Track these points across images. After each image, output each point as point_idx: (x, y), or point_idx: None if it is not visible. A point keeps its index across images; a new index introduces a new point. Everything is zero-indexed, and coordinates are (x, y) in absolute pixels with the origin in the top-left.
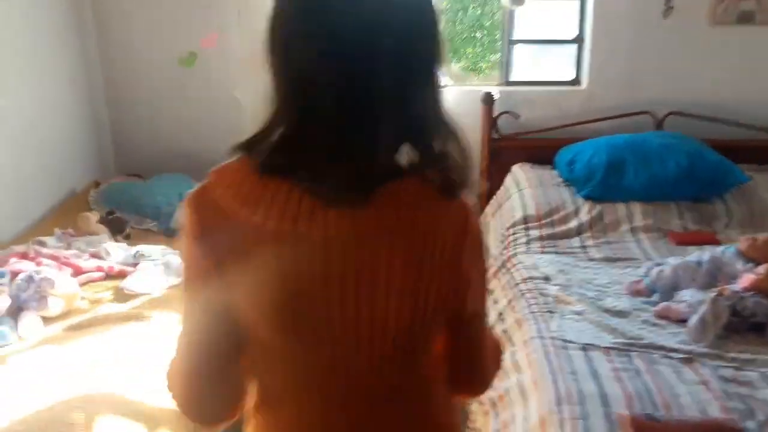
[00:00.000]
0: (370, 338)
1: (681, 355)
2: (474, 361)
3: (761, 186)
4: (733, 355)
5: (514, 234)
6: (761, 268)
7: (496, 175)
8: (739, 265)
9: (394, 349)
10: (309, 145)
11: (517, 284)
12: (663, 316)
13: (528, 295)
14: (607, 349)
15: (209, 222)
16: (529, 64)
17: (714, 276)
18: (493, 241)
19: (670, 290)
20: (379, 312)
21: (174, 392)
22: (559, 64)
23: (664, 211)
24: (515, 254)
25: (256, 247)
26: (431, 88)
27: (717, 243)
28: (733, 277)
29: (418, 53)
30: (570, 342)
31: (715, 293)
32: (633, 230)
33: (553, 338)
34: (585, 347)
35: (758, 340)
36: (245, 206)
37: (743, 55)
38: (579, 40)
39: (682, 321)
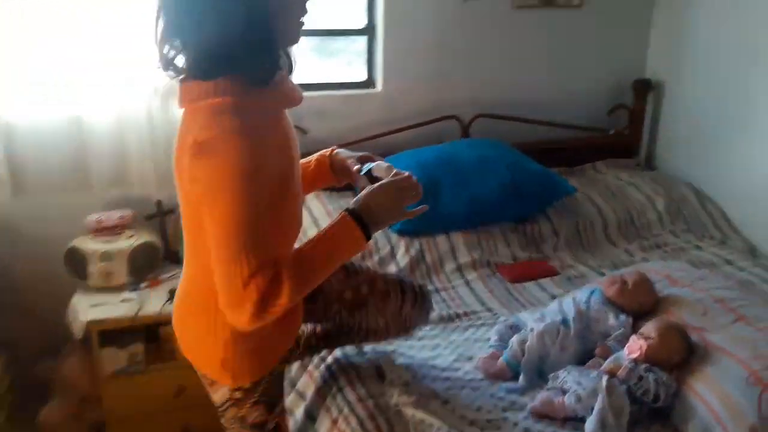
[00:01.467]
0: None
1: None
2: None
3: (581, 195)
4: None
5: None
6: (650, 330)
7: None
8: (611, 318)
9: None
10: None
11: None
12: (543, 414)
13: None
14: None
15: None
16: (310, 64)
17: (585, 338)
18: None
19: (537, 368)
20: None
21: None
22: (346, 62)
23: (488, 239)
24: None
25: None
26: None
27: (554, 272)
28: (606, 335)
29: None
30: None
31: (605, 377)
32: (460, 269)
33: None
34: None
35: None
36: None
37: (550, 42)
38: (369, 30)
39: (569, 419)
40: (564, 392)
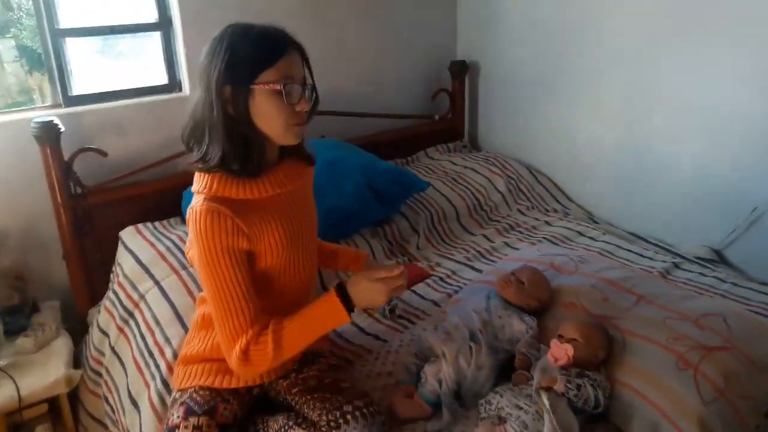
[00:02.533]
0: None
1: None
2: None
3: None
4: None
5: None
6: (569, 331)
7: (92, 255)
8: (517, 322)
9: None
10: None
11: None
12: None
13: None
14: None
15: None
16: (96, 69)
17: (495, 348)
18: None
19: (455, 394)
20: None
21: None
22: (140, 64)
23: None
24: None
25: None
26: None
27: (426, 275)
28: (515, 341)
29: None
30: None
31: (544, 395)
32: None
33: None
34: None
35: None
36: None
37: (368, 32)
38: (163, 24)
39: None
40: (501, 419)
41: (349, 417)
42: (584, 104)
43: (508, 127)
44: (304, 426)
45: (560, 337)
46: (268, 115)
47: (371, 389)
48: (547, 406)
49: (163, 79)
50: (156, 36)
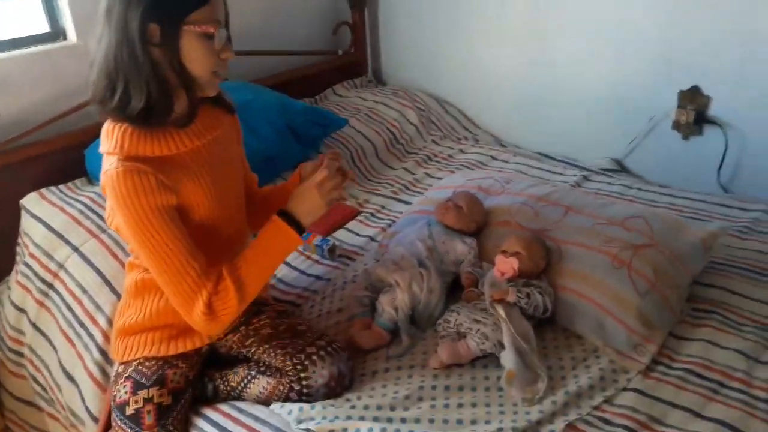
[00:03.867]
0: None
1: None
2: None
3: None
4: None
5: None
6: (512, 245)
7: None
8: (460, 245)
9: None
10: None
11: None
12: (449, 364)
13: None
14: None
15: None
16: None
17: (442, 272)
18: None
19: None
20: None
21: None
22: (14, 10)
23: None
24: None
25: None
26: None
27: (356, 212)
28: (459, 263)
29: None
30: None
31: (499, 306)
32: None
33: None
34: None
35: (565, 333)
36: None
37: None
38: None
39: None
40: (460, 335)
41: (315, 357)
42: (487, 31)
43: (412, 59)
44: (268, 374)
45: (504, 252)
46: (195, 60)
47: (324, 328)
48: (503, 316)
49: (43, 27)
50: None
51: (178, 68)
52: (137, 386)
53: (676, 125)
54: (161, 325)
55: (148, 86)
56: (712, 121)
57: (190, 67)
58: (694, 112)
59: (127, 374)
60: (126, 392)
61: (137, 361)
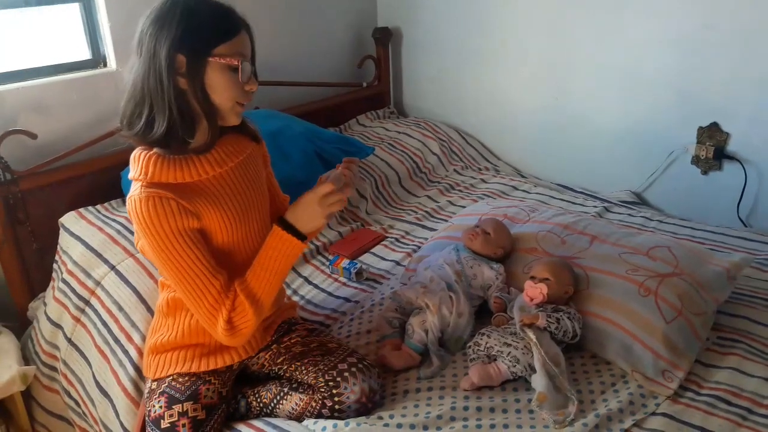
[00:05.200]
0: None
1: None
2: None
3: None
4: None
5: None
6: (541, 272)
7: (27, 245)
8: (487, 270)
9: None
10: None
11: None
12: (480, 386)
13: None
14: None
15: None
16: (8, 44)
17: (470, 296)
18: None
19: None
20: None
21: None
22: (57, 38)
23: None
24: None
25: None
26: None
27: (382, 237)
28: (487, 287)
29: None
30: None
31: (529, 330)
32: (295, 270)
33: None
34: None
35: (594, 359)
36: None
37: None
38: None
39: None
40: (490, 358)
41: (346, 374)
42: (507, 68)
43: (433, 92)
44: (300, 390)
45: (532, 278)
46: (219, 90)
47: (354, 348)
48: (534, 339)
49: (85, 54)
50: (75, 8)
51: (201, 97)
52: (171, 401)
53: (696, 160)
54: (192, 344)
55: (172, 113)
56: (731, 157)
57: (213, 97)
58: (713, 147)
59: (161, 390)
60: (161, 407)
61: (171, 377)
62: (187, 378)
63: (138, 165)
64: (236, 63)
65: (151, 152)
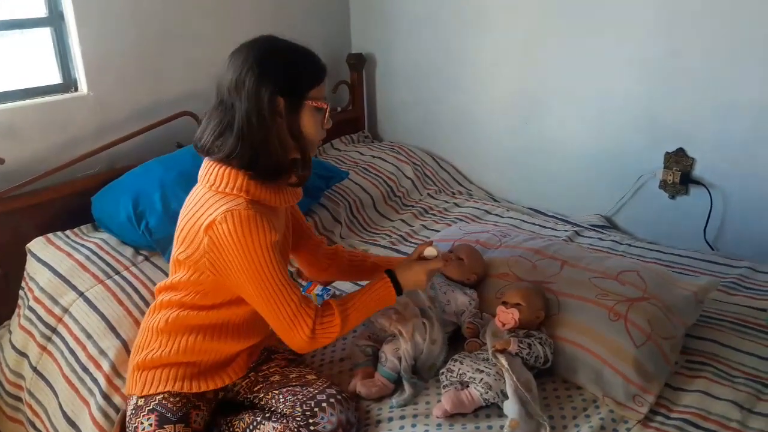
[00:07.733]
0: None
1: None
2: None
3: None
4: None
5: None
6: (513, 297)
7: (0, 268)
8: (461, 296)
9: None
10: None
11: None
12: (452, 414)
13: None
14: None
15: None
16: None
17: (444, 323)
18: None
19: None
20: None
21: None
22: (28, 61)
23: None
24: None
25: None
26: None
27: None
28: (459, 313)
29: None
30: None
31: (501, 357)
32: None
33: None
34: None
35: (565, 384)
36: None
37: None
38: (55, 19)
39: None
40: (463, 384)
41: (324, 405)
42: (478, 93)
43: (407, 116)
44: (274, 419)
45: (504, 303)
46: (309, 129)
47: (328, 377)
48: (506, 366)
49: (56, 78)
50: (45, 32)
51: (297, 134)
52: (163, 420)
53: (663, 185)
54: (185, 362)
55: (275, 148)
56: (697, 182)
57: (305, 134)
58: (680, 172)
59: (150, 407)
60: (151, 424)
61: (161, 396)
62: (178, 399)
63: (234, 181)
64: (325, 106)
65: (244, 172)
